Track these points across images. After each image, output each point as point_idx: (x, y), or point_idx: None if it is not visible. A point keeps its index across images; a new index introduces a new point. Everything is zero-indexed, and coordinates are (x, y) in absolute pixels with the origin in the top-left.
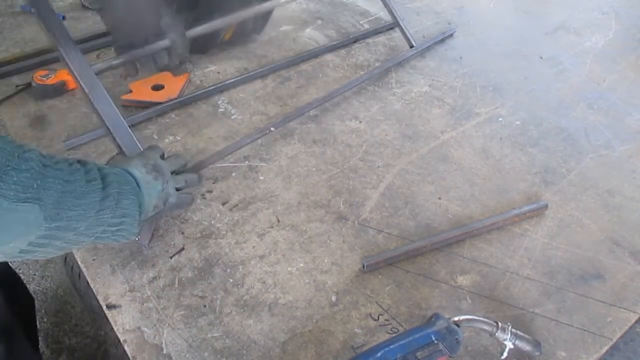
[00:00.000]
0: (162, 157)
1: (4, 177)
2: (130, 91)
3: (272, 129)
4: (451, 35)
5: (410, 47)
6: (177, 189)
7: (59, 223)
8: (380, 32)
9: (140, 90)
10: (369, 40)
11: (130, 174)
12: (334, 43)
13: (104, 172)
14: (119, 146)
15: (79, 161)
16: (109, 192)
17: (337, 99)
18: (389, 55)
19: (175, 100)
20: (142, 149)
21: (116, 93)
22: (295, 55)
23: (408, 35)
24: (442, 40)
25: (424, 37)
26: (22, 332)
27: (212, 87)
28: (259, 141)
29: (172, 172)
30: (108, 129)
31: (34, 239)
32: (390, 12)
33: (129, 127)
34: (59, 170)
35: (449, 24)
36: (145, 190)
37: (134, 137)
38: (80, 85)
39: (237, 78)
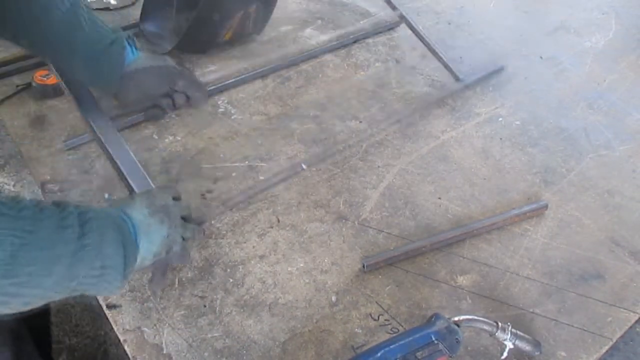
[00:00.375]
0: (176, 199)
1: None
2: None
3: (304, 166)
4: (500, 70)
5: (456, 80)
6: (183, 239)
7: (15, 279)
8: (380, 32)
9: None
10: (369, 40)
11: (128, 216)
12: (334, 43)
13: (85, 217)
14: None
15: (58, 204)
16: (86, 242)
17: (337, 99)
18: (389, 55)
19: None
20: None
21: None
22: (295, 55)
23: (452, 69)
24: (445, 45)
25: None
26: (30, 337)
27: (212, 87)
28: (259, 141)
29: (185, 218)
30: (122, 173)
31: None
32: (432, 50)
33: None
34: (19, 220)
35: (449, 23)
36: (145, 236)
37: (149, 181)
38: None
39: (237, 78)
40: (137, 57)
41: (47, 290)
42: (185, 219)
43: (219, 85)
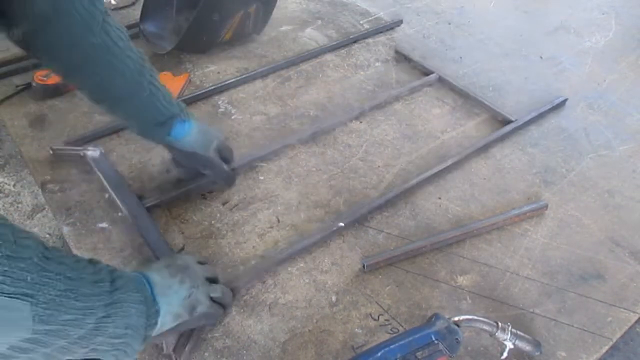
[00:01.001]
0: (202, 263)
1: None
2: None
3: (341, 224)
4: (562, 104)
5: (508, 123)
6: (212, 299)
7: (50, 327)
8: (380, 32)
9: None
10: (369, 40)
11: (146, 278)
12: (334, 43)
13: (114, 275)
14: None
15: (90, 259)
16: (116, 298)
17: (337, 99)
18: (388, 55)
19: None
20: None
21: None
22: (295, 55)
23: (504, 113)
24: (445, 45)
25: (424, 36)
26: None
27: (212, 87)
28: (259, 141)
29: (210, 279)
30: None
31: (16, 341)
32: (474, 96)
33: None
34: (62, 265)
35: (449, 23)
36: (163, 297)
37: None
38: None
39: (237, 78)
40: (187, 134)
41: (73, 344)
42: (212, 280)
43: (219, 85)
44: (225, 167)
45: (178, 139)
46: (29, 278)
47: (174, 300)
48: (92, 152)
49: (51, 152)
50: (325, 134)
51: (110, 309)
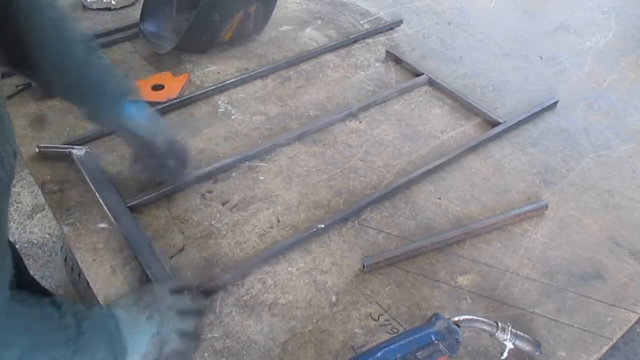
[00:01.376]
0: (175, 291)
1: None
2: None
3: (321, 226)
4: (554, 105)
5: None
6: (185, 333)
7: None
8: (380, 32)
9: (140, 91)
10: (369, 40)
11: (113, 314)
12: (334, 43)
13: (79, 317)
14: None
15: (53, 302)
16: (82, 343)
17: (337, 99)
18: (388, 55)
19: (176, 100)
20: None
21: None
22: (295, 55)
23: (493, 115)
24: (445, 45)
25: (424, 36)
26: None
27: (212, 87)
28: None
29: (181, 312)
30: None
31: None
32: (463, 97)
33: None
34: (27, 317)
35: (449, 23)
36: (130, 336)
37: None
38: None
39: (237, 78)
40: (140, 115)
41: None
42: (186, 311)
43: (219, 85)
44: (173, 161)
45: (132, 117)
46: None
47: (142, 339)
48: (78, 151)
49: (37, 150)
50: (315, 133)
51: (76, 355)
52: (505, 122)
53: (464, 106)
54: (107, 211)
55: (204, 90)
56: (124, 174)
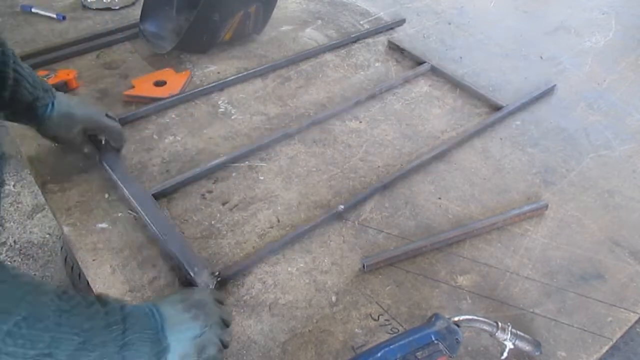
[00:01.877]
0: (219, 301)
1: (13, 330)
2: (133, 86)
3: (341, 207)
4: (552, 89)
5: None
6: (224, 342)
7: None
8: (380, 32)
9: (143, 86)
10: (369, 40)
11: (157, 309)
12: (334, 42)
13: (124, 313)
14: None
15: (99, 298)
16: (128, 339)
17: (337, 99)
18: (388, 55)
19: (177, 96)
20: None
21: (118, 91)
22: (295, 54)
23: (494, 99)
24: (445, 45)
25: (424, 36)
26: None
27: (214, 84)
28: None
29: (224, 321)
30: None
31: None
32: (466, 83)
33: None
34: (77, 317)
35: (449, 23)
36: (173, 333)
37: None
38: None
39: (239, 75)
40: (49, 116)
41: None
42: (226, 324)
43: (221, 82)
44: (86, 148)
45: (42, 121)
46: (47, 338)
47: (184, 336)
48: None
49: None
50: (315, 133)
51: (123, 350)
52: (507, 105)
53: (466, 91)
54: (133, 201)
55: (205, 87)
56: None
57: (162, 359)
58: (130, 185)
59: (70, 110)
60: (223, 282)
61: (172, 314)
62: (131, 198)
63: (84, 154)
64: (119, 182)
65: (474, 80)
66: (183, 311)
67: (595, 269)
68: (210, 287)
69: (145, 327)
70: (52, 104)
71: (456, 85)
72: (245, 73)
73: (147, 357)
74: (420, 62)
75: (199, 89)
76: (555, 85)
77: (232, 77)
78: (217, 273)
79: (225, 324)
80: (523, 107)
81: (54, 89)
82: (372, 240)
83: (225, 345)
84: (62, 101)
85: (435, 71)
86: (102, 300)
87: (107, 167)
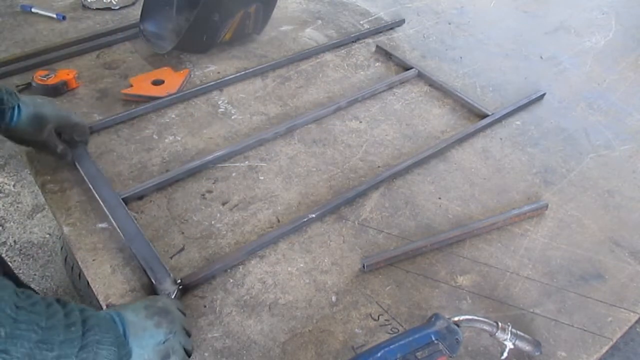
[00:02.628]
0: (181, 311)
1: None
2: (131, 85)
3: (312, 215)
4: (541, 97)
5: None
6: (187, 351)
7: None
8: (380, 32)
9: (141, 85)
10: (369, 40)
11: (121, 316)
12: (334, 42)
13: (85, 315)
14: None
15: (58, 300)
16: (88, 340)
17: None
18: (388, 55)
19: (175, 95)
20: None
21: (118, 91)
22: (295, 54)
23: (478, 106)
24: (445, 45)
25: (424, 36)
26: None
27: (212, 83)
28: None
29: (186, 330)
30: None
31: None
32: (451, 90)
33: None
34: (35, 314)
35: (449, 23)
36: (136, 339)
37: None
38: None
39: (237, 74)
40: (18, 120)
41: None
42: (187, 333)
43: (219, 81)
44: (60, 147)
45: (12, 126)
46: (2, 333)
47: (147, 343)
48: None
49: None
50: (311, 130)
51: (82, 353)
52: (492, 114)
53: (451, 98)
54: (102, 204)
55: (203, 86)
56: (124, 174)
57: None
58: (101, 189)
59: (39, 110)
60: (185, 289)
61: (135, 320)
62: (101, 203)
63: (57, 153)
64: (91, 187)
65: (473, 80)
66: (146, 318)
67: (595, 269)
68: (172, 295)
69: (105, 330)
70: (19, 106)
71: (442, 91)
72: (244, 72)
73: None
74: (407, 68)
75: (198, 87)
76: (544, 94)
77: (232, 76)
78: (179, 281)
79: (187, 333)
80: (509, 115)
81: (16, 92)
82: (372, 240)
83: (188, 354)
84: (28, 102)
85: (422, 77)
86: (61, 302)
87: (82, 172)
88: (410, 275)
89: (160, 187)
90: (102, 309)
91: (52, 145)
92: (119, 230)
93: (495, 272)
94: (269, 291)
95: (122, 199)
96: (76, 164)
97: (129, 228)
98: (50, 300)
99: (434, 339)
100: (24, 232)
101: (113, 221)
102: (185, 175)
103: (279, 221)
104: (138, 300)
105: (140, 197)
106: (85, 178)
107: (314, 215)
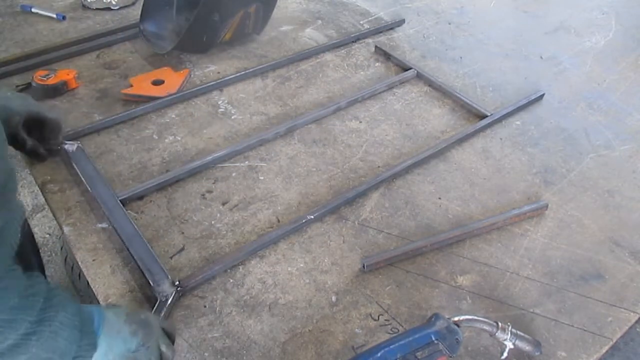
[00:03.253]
0: (167, 332)
1: None
2: (131, 85)
3: (311, 217)
4: (540, 97)
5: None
6: None
7: None
8: (380, 32)
9: (141, 85)
10: (369, 40)
11: (101, 313)
12: (334, 42)
13: (52, 293)
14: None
15: (30, 275)
16: (47, 316)
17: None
18: (377, 51)
19: (175, 95)
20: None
21: (118, 91)
22: (295, 54)
23: (478, 106)
24: (445, 45)
25: (424, 36)
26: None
27: (212, 83)
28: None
29: (163, 351)
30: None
31: None
32: (452, 95)
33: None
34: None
35: (449, 23)
36: (107, 337)
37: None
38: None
39: (237, 74)
40: None
41: None
42: (166, 354)
43: (219, 80)
44: (29, 143)
45: None
46: None
47: (117, 347)
48: (70, 146)
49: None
50: (311, 130)
51: (37, 326)
52: (491, 114)
53: (450, 98)
54: (100, 204)
55: (203, 86)
56: (124, 174)
57: (86, 354)
58: (99, 190)
59: (6, 103)
60: (184, 292)
61: (113, 320)
62: (100, 204)
63: (27, 150)
64: (88, 188)
65: (473, 80)
66: (125, 323)
67: (595, 269)
68: (170, 298)
69: (72, 314)
70: None
71: (441, 91)
72: (244, 72)
73: (64, 342)
74: (406, 69)
75: (198, 87)
76: (544, 94)
77: (232, 76)
78: (177, 283)
79: (163, 356)
80: (509, 115)
81: None
82: (372, 240)
83: None
84: None
85: (421, 77)
86: (33, 275)
87: (78, 171)
88: (410, 275)
89: (160, 187)
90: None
91: (20, 140)
92: (117, 232)
93: (495, 272)
94: (269, 291)
95: (122, 200)
96: (74, 164)
97: (128, 230)
98: (15, 266)
99: (434, 339)
100: None
101: (111, 223)
102: (185, 175)
103: (279, 221)
104: (125, 306)
105: (140, 197)
106: (83, 179)
107: (312, 217)
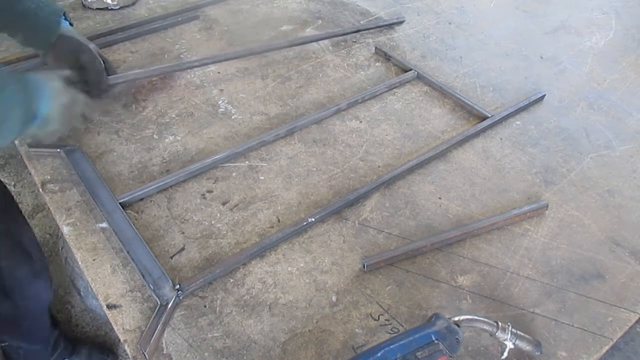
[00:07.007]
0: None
1: None
2: None
3: (312, 219)
4: (541, 99)
5: (483, 119)
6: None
7: None
8: (380, 32)
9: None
10: (369, 40)
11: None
12: (335, 40)
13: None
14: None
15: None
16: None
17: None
18: (377, 52)
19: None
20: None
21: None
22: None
23: (478, 108)
24: (445, 45)
25: (424, 36)
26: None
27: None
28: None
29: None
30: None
31: None
32: (453, 95)
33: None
34: None
35: (449, 23)
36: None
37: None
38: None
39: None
40: (68, 28)
41: None
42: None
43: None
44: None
45: (68, 29)
46: None
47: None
48: (69, 149)
49: (30, 150)
50: (311, 130)
51: None
52: (492, 116)
53: (450, 99)
54: (98, 209)
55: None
56: (124, 173)
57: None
58: (98, 192)
59: (76, 36)
60: (184, 295)
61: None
62: (99, 207)
63: (84, 84)
64: (87, 191)
65: (473, 80)
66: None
67: (596, 269)
68: (171, 302)
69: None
70: (63, 22)
71: (441, 91)
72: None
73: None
74: (406, 69)
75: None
76: (544, 95)
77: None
78: (177, 287)
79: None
80: (509, 116)
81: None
82: (372, 240)
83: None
84: (68, 26)
85: (421, 78)
86: None
87: (77, 173)
88: (411, 275)
89: (161, 189)
90: (102, 309)
91: (96, 65)
92: (116, 236)
93: (495, 272)
94: (269, 291)
95: (122, 203)
96: (73, 167)
97: (127, 233)
98: None
99: (434, 338)
100: None
101: (111, 226)
102: (185, 177)
103: (279, 221)
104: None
105: (140, 198)
106: (82, 181)
107: (313, 220)
